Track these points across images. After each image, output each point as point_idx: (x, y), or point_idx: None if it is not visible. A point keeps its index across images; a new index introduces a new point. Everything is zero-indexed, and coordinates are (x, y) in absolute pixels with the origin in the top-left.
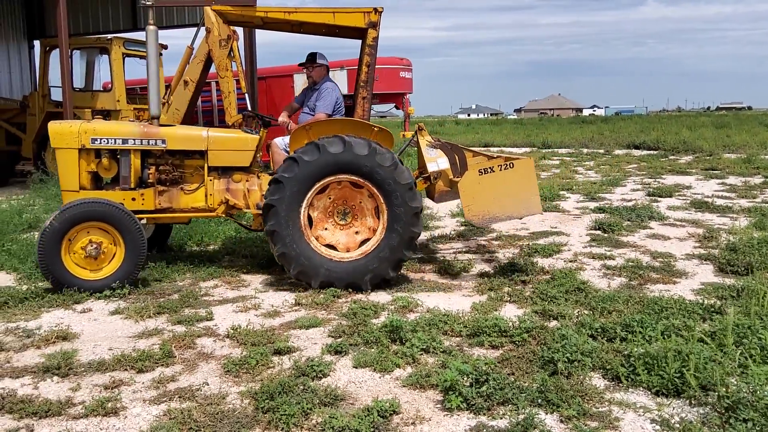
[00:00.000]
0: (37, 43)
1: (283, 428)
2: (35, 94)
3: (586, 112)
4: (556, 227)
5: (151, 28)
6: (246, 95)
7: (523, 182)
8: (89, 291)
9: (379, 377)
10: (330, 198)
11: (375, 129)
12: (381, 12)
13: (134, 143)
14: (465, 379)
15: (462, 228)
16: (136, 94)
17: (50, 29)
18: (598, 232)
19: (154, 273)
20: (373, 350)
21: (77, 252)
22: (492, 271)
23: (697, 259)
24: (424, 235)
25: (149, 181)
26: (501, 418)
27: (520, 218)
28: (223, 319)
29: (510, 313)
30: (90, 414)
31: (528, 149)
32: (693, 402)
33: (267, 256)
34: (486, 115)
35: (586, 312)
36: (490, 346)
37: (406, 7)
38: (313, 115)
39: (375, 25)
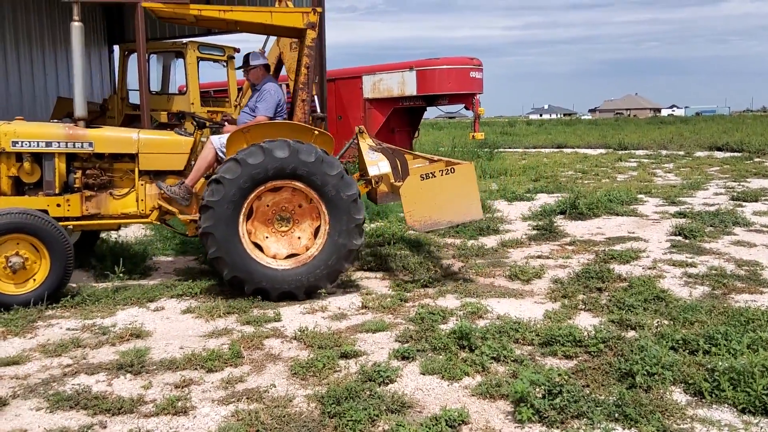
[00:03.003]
0: (116, 48)
1: None
2: (114, 97)
3: (664, 113)
4: (633, 232)
5: (76, 24)
6: (315, 97)
7: (464, 187)
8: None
9: (447, 385)
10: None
11: (315, 132)
12: (320, 12)
13: (59, 146)
14: (537, 390)
15: (534, 232)
16: (210, 96)
17: (129, 34)
18: (679, 238)
19: None
20: (441, 357)
21: None
22: (566, 278)
23: None
24: (494, 239)
25: (75, 186)
26: None
27: (461, 224)
28: (291, 320)
29: (585, 321)
30: (161, 412)
31: (603, 150)
32: None
33: None
34: (559, 116)
35: (666, 322)
36: (563, 356)
37: (477, 7)
38: (254, 117)
39: (314, 26)
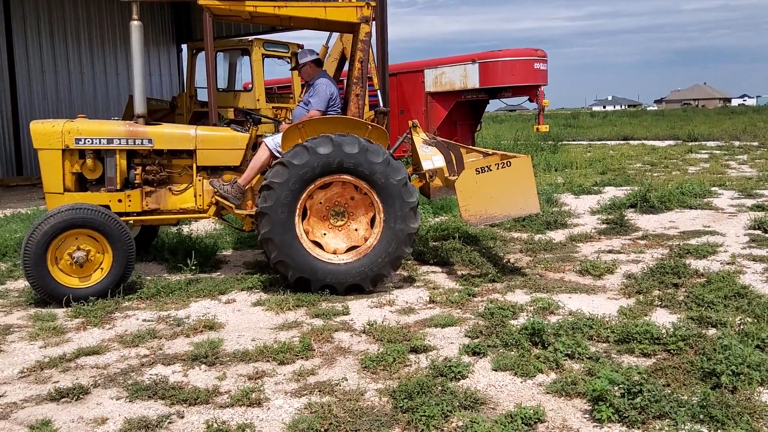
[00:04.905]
0: (184, 47)
1: (422, 429)
2: (183, 95)
3: (734, 102)
4: (709, 226)
5: (135, 23)
6: (378, 92)
7: (521, 181)
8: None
9: (521, 382)
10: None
11: (369, 127)
12: (374, 6)
13: (120, 143)
14: (615, 388)
15: (604, 226)
16: (274, 93)
17: (196, 33)
18: (758, 232)
19: None
20: (513, 353)
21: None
22: (639, 273)
23: None
24: (562, 234)
25: (136, 181)
26: None
27: (518, 218)
28: (359, 314)
29: (662, 318)
30: (235, 403)
31: (672, 142)
32: None
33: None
34: (623, 107)
35: (749, 320)
36: (641, 354)
37: None
38: (308, 111)
39: (368, 20)
